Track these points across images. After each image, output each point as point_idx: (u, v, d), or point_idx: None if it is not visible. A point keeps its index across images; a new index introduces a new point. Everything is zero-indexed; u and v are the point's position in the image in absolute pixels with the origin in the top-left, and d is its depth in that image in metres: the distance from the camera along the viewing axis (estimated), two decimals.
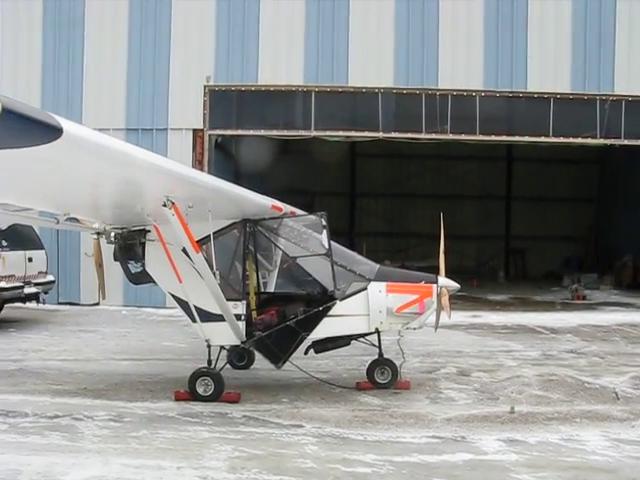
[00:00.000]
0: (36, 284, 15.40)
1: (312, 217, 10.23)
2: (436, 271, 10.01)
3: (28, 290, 15.05)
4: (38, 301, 15.48)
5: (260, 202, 9.10)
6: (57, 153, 4.61)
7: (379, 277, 9.70)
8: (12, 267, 14.62)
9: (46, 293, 15.92)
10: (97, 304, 18.03)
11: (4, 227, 14.17)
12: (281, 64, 19.02)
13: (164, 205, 7.39)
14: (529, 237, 32.51)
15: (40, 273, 15.77)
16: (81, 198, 7.36)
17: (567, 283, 25.45)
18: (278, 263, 10.62)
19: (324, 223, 9.63)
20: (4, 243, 14.53)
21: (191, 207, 7.72)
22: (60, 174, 5.42)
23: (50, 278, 16.27)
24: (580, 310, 19.86)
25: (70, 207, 8.10)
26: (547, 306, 21.15)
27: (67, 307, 18.67)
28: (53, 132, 4.32)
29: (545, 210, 33.01)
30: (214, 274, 8.51)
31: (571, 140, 19.46)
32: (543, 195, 32.74)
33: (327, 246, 9.48)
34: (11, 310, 16.62)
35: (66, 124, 4.47)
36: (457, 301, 20.57)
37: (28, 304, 15.84)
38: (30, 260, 15.28)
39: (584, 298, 22.52)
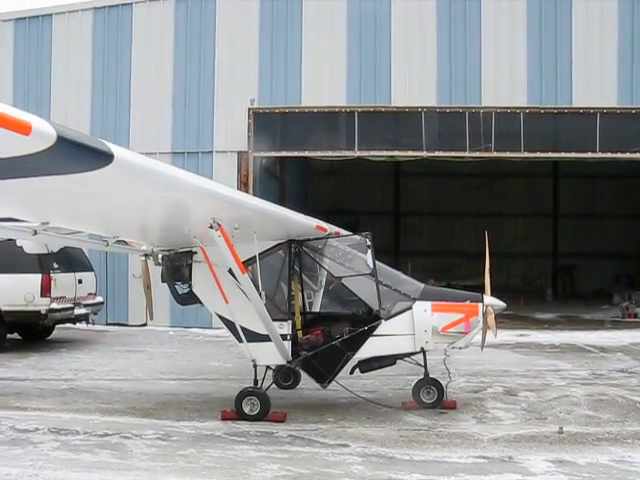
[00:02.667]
0: (86, 305, 15.75)
1: (357, 237, 10.30)
2: (482, 290, 9.95)
3: (78, 311, 15.39)
4: (87, 322, 15.81)
5: (304, 223, 9.18)
6: (108, 178, 4.76)
7: (424, 296, 9.69)
8: (63, 289, 14.98)
9: (95, 314, 16.27)
10: (145, 325, 18.34)
11: (55, 250, 14.53)
12: (324, 85, 19.23)
13: (211, 227, 7.53)
14: (577, 254, 31.98)
15: (89, 294, 16.12)
16: (130, 221, 7.55)
17: (617, 301, 24.95)
18: (323, 283, 10.68)
19: (369, 243, 9.69)
20: (55, 265, 14.90)
21: (237, 228, 7.83)
22: (110, 198, 5.59)
23: (99, 299, 16.62)
24: (631, 328, 19.45)
25: (119, 230, 8.31)
26: (596, 324, 20.76)
27: (115, 328, 19.03)
28: (105, 158, 4.47)
29: (593, 227, 32.50)
30: (260, 294, 8.60)
31: (619, 155, 19.18)
32: (591, 211, 32.25)
33: (372, 266, 9.53)
34: (62, 330, 17.01)
35: (117, 150, 4.62)
36: (504, 320, 20.40)
37: (78, 325, 16.16)
38: (80, 282, 15.64)
39: (635, 316, 22.06)
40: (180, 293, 10.02)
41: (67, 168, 4.35)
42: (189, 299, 9.98)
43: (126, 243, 10.41)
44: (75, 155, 4.15)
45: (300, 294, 10.25)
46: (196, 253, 9.43)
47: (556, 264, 33.36)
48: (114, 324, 19.33)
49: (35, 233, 7.51)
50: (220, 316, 9.51)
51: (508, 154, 19.22)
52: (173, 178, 5.59)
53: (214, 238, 7.71)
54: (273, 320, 9.10)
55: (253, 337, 9.24)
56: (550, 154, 19.59)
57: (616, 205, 32.28)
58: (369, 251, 9.62)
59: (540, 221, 33.16)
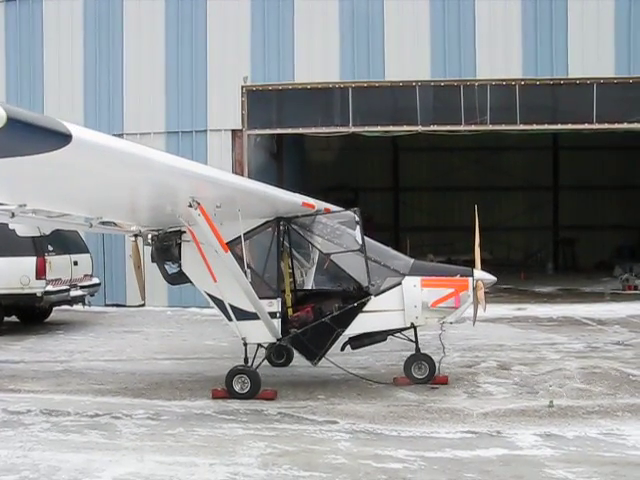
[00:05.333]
0: (82, 287, 15.75)
1: (345, 213, 10.23)
2: (476, 264, 9.86)
3: (74, 293, 15.39)
4: (84, 303, 15.82)
5: (290, 200, 9.12)
6: (69, 158, 4.70)
7: (414, 271, 9.64)
8: (58, 271, 14.98)
9: (92, 295, 16.27)
10: (143, 305, 18.36)
11: (48, 232, 14.51)
12: (317, 61, 19.04)
13: (190, 206, 7.48)
14: (579, 227, 31.89)
15: (86, 276, 16.13)
16: (107, 201, 7.50)
17: (618, 273, 24.89)
18: (312, 260, 10.66)
19: (357, 219, 9.63)
20: (50, 248, 14.90)
21: (219, 207, 7.78)
22: (79, 179, 5.53)
23: (95, 281, 16.63)
24: (630, 300, 19.40)
25: (100, 211, 8.26)
26: (596, 297, 20.72)
27: (113, 309, 19.07)
28: (62, 138, 4.41)
29: (595, 199, 32.37)
30: (245, 273, 8.56)
31: (616, 126, 19.01)
32: (592, 183, 32.07)
33: (361, 242, 9.48)
34: (59, 313, 17.06)
35: (75, 130, 4.55)
36: (503, 294, 20.49)
37: (75, 306, 16.19)
38: (76, 264, 15.64)
39: (635, 288, 22.00)
40: (170, 273, 10.00)
41: (23, 149, 4.29)
42: (179, 279, 9.97)
43: (115, 224, 10.40)
44: (29, 136, 4.09)
45: (289, 272, 10.21)
46: (185, 232, 9.38)
47: (557, 237, 33.28)
48: (112, 305, 19.37)
49: (13, 215, 7.48)
50: (210, 295, 9.49)
51: (504, 127, 19.07)
52: (139, 157, 5.51)
53: (194, 217, 7.67)
54: (262, 298, 9.09)
55: (242, 315, 9.22)
56: (546, 126, 19.42)
57: (618, 176, 32.07)
58: (358, 227, 9.55)
59: (540, 194, 33.05)
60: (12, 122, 3.86)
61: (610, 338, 13.45)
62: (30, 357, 12.47)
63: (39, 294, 14.59)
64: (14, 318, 16.33)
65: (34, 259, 14.59)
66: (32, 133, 4.10)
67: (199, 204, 7.49)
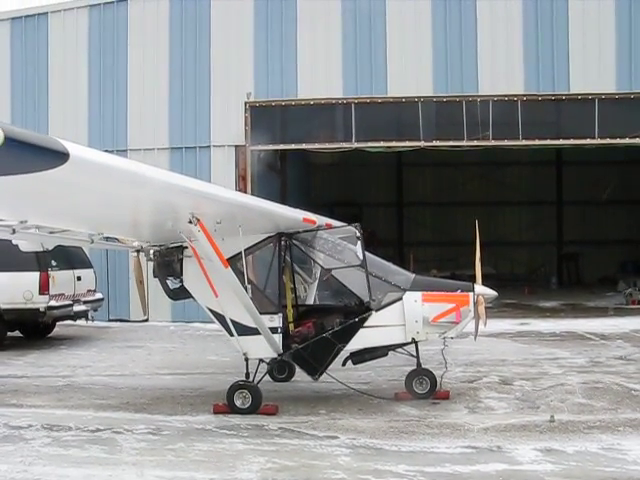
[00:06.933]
0: (85, 302, 15.78)
1: (347, 229, 10.27)
2: (477, 279, 9.87)
3: (77, 308, 15.42)
4: (87, 319, 15.84)
5: (291, 216, 9.18)
6: (67, 176, 4.76)
7: (415, 287, 9.67)
8: (62, 286, 15.02)
9: (95, 311, 16.30)
10: (146, 320, 18.36)
11: (50, 247, 14.57)
12: (320, 77, 19.15)
13: (190, 222, 7.54)
14: (583, 242, 31.84)
15: (89, 291, 16.17)
16: (107, 218, 7.56)
17: (622, 287, 24.80)
18: (314, 276, 10.68)
19: (358, 234, 9.67)
20: (53, 263, 14.95)
21: (219, 223, 7.83)
22: (78, 196, 5.59)
23: (99, 296, 16.66)
24: (634, 315, 19.33)
25: (101, 227, 8.32)
26: (599, 312, 20.65)
27: (117, 324, 19.08)
28: (60, 157, 4.46)
29: (598, 214, 32.31)
30: (245, 288, 8.60)
31: (618, 141, 19.06)
32: (595, 198, 32.04)
33: (362, 257, 9.51)
34: (62, 328, 17.09)
35: (73, 148, 4.61)
36: (506, 309, 20.49)
37: (78, 322, 16.22)
38: (79, 279, 15.68)
39: (639, 302, 21.91)
40: (172, 288, 10.05)
41: (20, 168, 4.35)
42: (181, 294, 10.02)
43: (117, 240, 10.46)
44: (27, 155, 4.15)
45: (291, 287, 10.25)
46: (186, 248, 9.42)
47: (561, 252, 33.23)
48: (116, 320, 19.37)
49: (14, 232, 7.54)
50: (211, 310, 9.54)
51: (506, 142, 19.12)
52: (137, 175, 5.57)
53: (194, 233, 7.72)
54: (264, 313, 9.13)
55: (244, 330, 9.25)
56: (549, 141, 19.48)
57: (621, 191, 32.04)
58: (359, 242, 9.60)
59: (544, 209, 33.03)
60: (10, 141, 3.92)
61: (613, 353, 13.42)
62: (32, 372, 12.50)
63: (42, 309, 14.63)
64: (17, 333, 16.37)
65: (37, 274, 14.64)
66: (30, 152, 4.15)
67: (199, 220, 7.54)
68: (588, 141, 18.99)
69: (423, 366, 9.95)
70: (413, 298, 9.51)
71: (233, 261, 8.83)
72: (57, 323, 16.47)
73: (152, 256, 10.05)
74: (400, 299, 9.51)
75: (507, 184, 32.26)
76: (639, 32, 18.78)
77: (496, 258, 27.92)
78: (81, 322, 16.26)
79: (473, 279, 10.11)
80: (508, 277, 27.89)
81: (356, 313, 9.51)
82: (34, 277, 14.61)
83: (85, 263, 16.27)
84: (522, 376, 11.23)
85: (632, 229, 31.89)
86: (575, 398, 9.70)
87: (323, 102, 19.19)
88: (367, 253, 9.64)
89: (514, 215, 32.60)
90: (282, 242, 9.71)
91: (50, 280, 14.67)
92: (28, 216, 7.02)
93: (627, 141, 19.03)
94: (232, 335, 9.32)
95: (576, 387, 10.29)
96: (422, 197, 33.33)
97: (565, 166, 32.59)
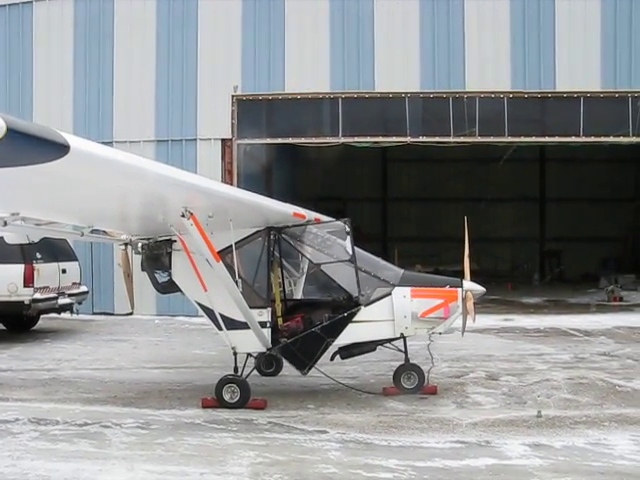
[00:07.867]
0: (70, 295, 15.68)
1: (336, 223, 10.30)
2: (466, 275, 9.93)
3: (62, 301, 15.32)
4: (72, 311, 15.75)
5: (281, 210, 9.17)
6: (67, 169, 4.73)
7: (403, 282, 9.71)
8: (46, 279, 14.91)
9: (80, 304, 16.21)
10: (131, 314, 18.28)
11: (36, 240, 14.46)
12: (307, 72, 19.10)
13: (182, 216, 7.51)
14: (565, 239, 32.02)
15: (74, 284, 16.06)
16: (101, 211, 7.52)
17: (604, 284, 25.02)
18: (303, 270, 10.69)
19: (348, 229, 9.69)
20: (38, 255, 14.84)
21: (211, 217, 7.81)
22: (75, 189, 5.55)
23: (83, 289, 16.56)
24: (616, 312, 19.56)
25: (92, 220, 8.26)
26: (582, 308, 20.85)
27: (102, 317, 18.98)
28: (60, 149, 4.43)
29: (581, 211, 32.51)
30: (236, 282, 8.59)
31: (602, 139, 19.18)
32: (578, 196, 32.26)
33: (351, 252, 9.53)
34: (47, 321, 16.97)
35: (73, 140, 4.58)
36: (490, 305, 20.57)
37: (62, 314, 16.11)
38: (64, 272, 15.57)
39: (621, 299, 22.16)
40: (160, 282, 10.00)
41: (21, 160, 4.31)
42: (169, 288, 9.97)
43: (105, 232, 10.39)
44: (28, 146, 4.12)
45: (280, 281, 10.24)
46: (175, 241, 9.38)
47: (543, 248, 33.45)
48: (100, 313, 19.26)
49: (5, 224, 7.47)
50: (200, 304, 9.49)
51: (492, 139, 19.20)
52: (135, 167, 5.55)
53: (187, 227, 7.70)
54: (253, 307, 9.12)
55: (232, 325, 9.23)
56: (534, 138, 19.56)
57: (604, 189, 32.25)
58: (348, 237, 9.62)
59: (527, 206, 33.20)
60: (11, 133, 3.88)
61: (596, 349, 13.55)
62: (17, 365, 12.41)
63: (26, 302, 14.52)
64: (1, 326, 16.24)
65: (22, 267, 14.53)
66: (31, 144, 4.12)
67: (192, 214, 7.52)
68: (573, 139, 19.09)
69: (411, 361, 9.99)
70: (402, 293, 9.54)
71: (222, 255, 8.79)
72: (41, 316, 16.35)
73: (140, 249, 9.99)
74: (389, 294, 9.54)
75: (491, 180, 32.32)
76: (624, 32, 18.89)
77: (480, 254, 28.02)
78: (65, 315, 16.16)
79: (458, 274, 10.19)
80: (491, 273, 28.01)
81: (345, 308, 9.53)
82: (19, 269, 14.50)
83: (70, 256, 16.16)
84: (508, 372, 11.32)
85: (614, 227, 32.15)
86: (561, 394, 9.80)
87: (310, 97, 19.15)
88: (356, 248, 9.65)
89: (498, 211, 32.72)
90: (271, 236, 9.69)
91: (35, 273, 14.57)
92: (21, 208, 6.96)
93: (611, 139, 19.16)
94: (221, 329, 9.30)
95: (562, 383, 10.40)
96: (407, 193, 33.36)
97: (548, 163, 32.76)
